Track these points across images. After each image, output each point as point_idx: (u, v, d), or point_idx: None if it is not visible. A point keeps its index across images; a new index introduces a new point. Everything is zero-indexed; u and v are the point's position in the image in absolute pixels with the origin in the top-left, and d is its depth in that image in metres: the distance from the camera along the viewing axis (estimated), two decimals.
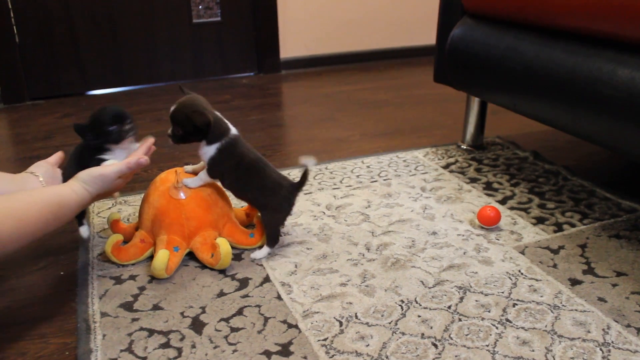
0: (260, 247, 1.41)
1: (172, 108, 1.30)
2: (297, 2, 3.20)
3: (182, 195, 1.36)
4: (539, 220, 1.53)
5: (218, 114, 1.34)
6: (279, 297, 1.23)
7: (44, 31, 2.80)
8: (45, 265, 1.41)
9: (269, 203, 1.37)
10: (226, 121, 1.35)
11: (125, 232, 1.43)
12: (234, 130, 1.34)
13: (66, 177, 1.33)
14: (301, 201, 1.66)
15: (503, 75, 1.62)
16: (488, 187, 1.72)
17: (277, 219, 1.39)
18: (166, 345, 1.11)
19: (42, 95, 2.88)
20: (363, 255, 1.39)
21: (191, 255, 1.38)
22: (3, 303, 1.27)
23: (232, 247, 1.37)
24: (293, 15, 3.21)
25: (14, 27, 2.73)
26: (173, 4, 3.00)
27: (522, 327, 1.12)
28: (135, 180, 1.85)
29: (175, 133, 1.31)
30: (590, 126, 1.39)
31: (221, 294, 1.25)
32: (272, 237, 1.38)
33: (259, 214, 1.43)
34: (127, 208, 1.65)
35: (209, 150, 1.32)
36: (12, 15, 2.71)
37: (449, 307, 1.19)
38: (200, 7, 3.06)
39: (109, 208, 1.65)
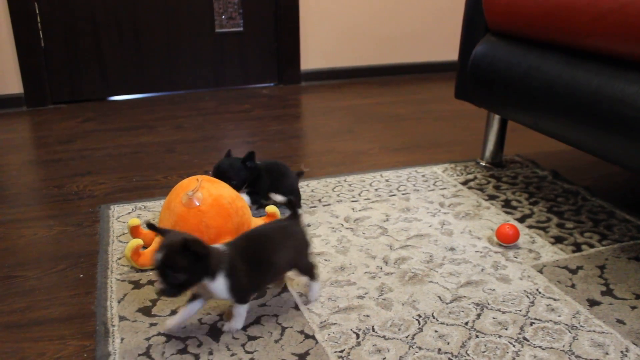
0: None
1: (160, 255, 1.03)
2: (319, 15, 3.22)
3: (196, 203, 1.37)
4: (558, 240, 1.53)
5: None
6: (296, 308, 1.24)
7: (69, 37, 2.84)
8: (65, 267, 1.42)
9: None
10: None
11: (145, 237, 1.44)
12: (223, 248, 1.14)
13: None
14: (319, 212, 1.67)
15: (525, 93, 1.62)
16: (506, 205, 1.72)
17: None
18: (184, 351, 1.11)
19: (64, 100, 2.92)
20: (381, 268, 1.39)
21: None
22: (23, 304, 1.29)
23: None
24: (314, 27, 3.23)
25: (40, 32, 2.77)
26: (196, 13, 3.03)
27: (540, 347, 1.12)
28: (155, 187, 1.87)
29: (173, 282, 1.04)
30: (612, 147, 1.39)
31: None
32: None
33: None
34: (146, 214, 1.67)
35: (219, 285, 1.10)
36: (38, 20, 2.75)
37: (466, 323, 1.19)
38: (223, 17, 3.09)
39: (129, 213, 1.67)
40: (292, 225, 1.24)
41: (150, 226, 1.08)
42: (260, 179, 1.64)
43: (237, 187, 1.59)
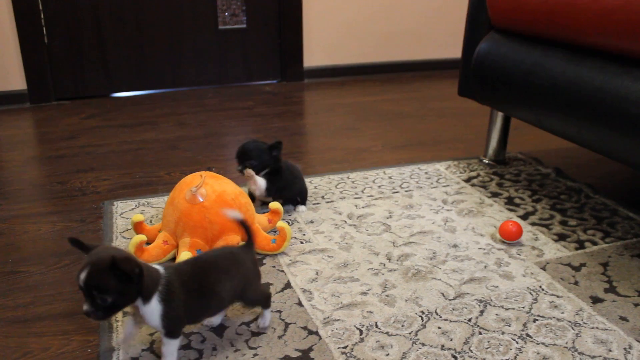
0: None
1: (84, 273, 0.93)
2: (322, 12, 3.22)
3: (200, 199, 1.37)
4: (561, 237, 1.53)
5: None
6: (299, 304, 1.24)
7: (72, 33, 2.84)
8: (69, 263, 1.43)
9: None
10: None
11: (148, 233, 1.44)
12: (162, 270, 1.03)
13: None
14: (323, 209, 1.67)
15: (529, 90, 1.62)
16: (510, 202, 1.72)
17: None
18: (187, 346, 1.12)
19: (67, 96, 2.92)
20: (384, 265, 1.39)
21: None
22: (27, 299, 1.29)
23: None
24: (317, 24, 3.23)
25: (44, 29, 2.77)
26: (200, 10, 3.03)
27: (543, 343, 1.12)
28: (159, 183, 1.88)
29: (101, 304, 0.94)
30: (616, 145, 1.39)
31: None
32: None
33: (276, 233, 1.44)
34: (150, 210, 1.67)
35: (151, 309, 1.00)
36: (42, 16, 2.75)
37: (469, 319, 1.19)
38: (226, 13, 3.09)
39: (132, 209, 1.67)
40: (242, 253, 1.12)
41: (74, 242, 0.98)
42: (278, 175, 1.60)
43: (256, 169, 1.57)
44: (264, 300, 1.16)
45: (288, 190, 1.64)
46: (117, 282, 0.93)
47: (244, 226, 1.13)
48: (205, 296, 1.05)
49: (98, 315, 0.94)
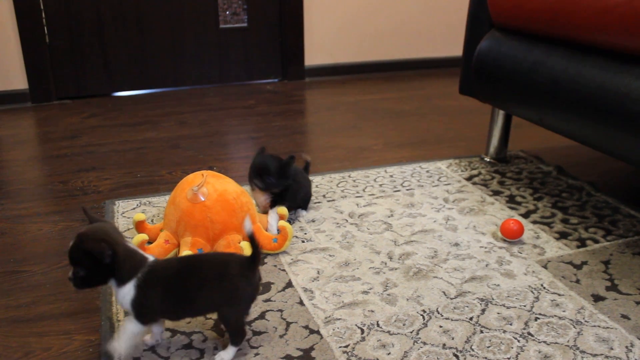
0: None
1: (71, 243, 1.00)
2: (323, 11, 3.21)
3: (201, 198, 1.37)
4: (562, 235, 1.53)
5: (131, 245, 1.06)
6: (301, 303, 1.24)
7: (73, 32, 2.84)
8: None
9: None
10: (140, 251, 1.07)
11: (150, 232, 1.44)
12: (151, 258, 1.07)
13: None
14: (324, 208, 1.67)
15: (530, 89, 1.62)
16: (511, 201, 1.72)
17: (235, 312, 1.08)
18: (189, 346, 1.12)
19: (69, 95, 2.92)
20: (385, 264, 1.39)
21: None
22: (29, 299, 1.29)
23: None
24: (318, 23, 3.23)
25: (45, 28, 2.77)
26: (201, 8, 3.03)
27: (544, 342, 1.12)
28: (160, 182, 1.88)
29: (77, 275, 1.00)
30: (618, 143, 1.39)
31: None
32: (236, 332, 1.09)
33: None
34: (151, 209, 1.67)
35: (124, 293, 1.03)
36: (43, 16, 2.75)
37: (471, 318, 1.19)
38: (227, 12, 3.09)
39: (134, 209, 1.67)
40: (237, 268, 1.06)
41: (84, 211, 1.08)
42: (287, 191, 1.55)
43: (267, 185, 1.51)
44: (234, 332, 1.07)
45: (291, 201, 1.59)
46: (87, 260, 0.99)
47: (253, 244, 1.06)
48: (180, 298, 1.05)
49: (75, 283, 1.01)
